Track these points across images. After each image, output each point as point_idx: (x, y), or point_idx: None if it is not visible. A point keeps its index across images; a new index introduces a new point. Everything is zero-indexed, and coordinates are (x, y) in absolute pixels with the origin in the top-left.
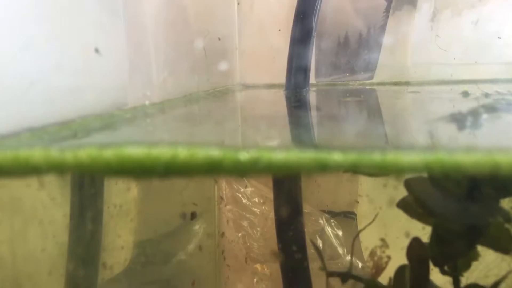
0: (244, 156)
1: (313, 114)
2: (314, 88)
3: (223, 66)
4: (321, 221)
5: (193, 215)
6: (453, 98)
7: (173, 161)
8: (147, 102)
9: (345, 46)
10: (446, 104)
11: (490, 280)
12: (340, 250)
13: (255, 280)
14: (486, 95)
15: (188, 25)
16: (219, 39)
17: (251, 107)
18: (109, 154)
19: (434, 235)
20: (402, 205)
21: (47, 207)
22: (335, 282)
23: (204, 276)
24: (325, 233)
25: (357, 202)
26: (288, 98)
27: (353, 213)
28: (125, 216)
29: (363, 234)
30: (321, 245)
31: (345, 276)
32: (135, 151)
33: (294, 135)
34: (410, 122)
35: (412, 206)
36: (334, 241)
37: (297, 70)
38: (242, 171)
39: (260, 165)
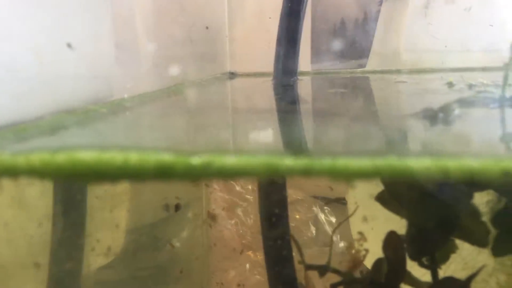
0: (195, 160)
1: (293, 108)
2: (303, 77)
3: (211, 55)
4: (314, 208)
5: (177, 207)
6: (436, 89)
7: (125, 166)
8: (125, 96)
9: (340, 34)
10: (427, 96)
11: (468, 273)
12: (334, 237)
13: (248, 267)
14: (470, 86)
15: (177, 14)
16: (206, 28)
17: (233, 98)
18: (61, 158)
19: (410, 229)
20: (380, 198)
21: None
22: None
23: (193, 263)
24: (318, 221)
25: (331, 188)
26: (274, 88)
27: (345, 200)
28: (111, 207)
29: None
30: (314, 232)
31: (323, 269)
32: (87, 156)
33: (264, 134)
34: (382, 119)
35: (389, 200)
36: (328, 228)
37: (285, 59)
38: (194, 175)
39: (212, 170)
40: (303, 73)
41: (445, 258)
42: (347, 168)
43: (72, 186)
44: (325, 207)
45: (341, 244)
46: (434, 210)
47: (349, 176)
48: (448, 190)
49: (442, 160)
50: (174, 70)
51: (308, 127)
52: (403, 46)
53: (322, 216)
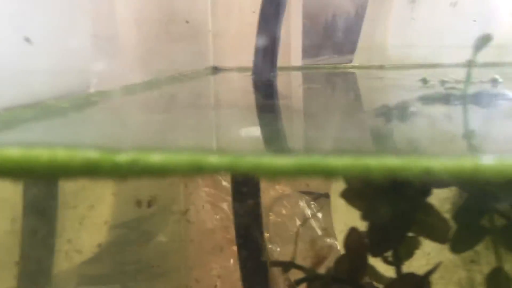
0: (121, 158)
1: (257, 104)
2: (289, 72)
3: (193, 49)
4: (301, 204)
5: (150, 203)
6: (408, 85)
7: (52, 163)
8: (92, 90)
9: (331, 29)
10: (394, 93)
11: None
12: (319, 233)
13: (232, 262)
14: (442, 82)
15: (156, 6)
16: (187, 22)
17: (206, 94)
18: None
19: (370, 225)
20: (344, 195)
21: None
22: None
23: (171, 260)
24: (305, 216)
25: (307, 185)
26: (249, 84)
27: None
28: (83, 204)
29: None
30: (300, 228)
31: (287, 266)
32: (14, 152)
33: (216, 130)
34: (334, 116)
35: (352, 196)
36: (314, 223)
37: (264, 54)
38: (120, 173)
39: (138, 168)
40: (290, 68)
41: (409, 255)
42: (271, 166)
43: (42, 183)
44: (312, 203)
45: (328, 240)
46: (393, 206)
47: (274, 174)
48: (408, 187)
49: (363, 159)
50: (152, 64)
51: (259, 123)
52: (389, 41)
53: (308, 212)
